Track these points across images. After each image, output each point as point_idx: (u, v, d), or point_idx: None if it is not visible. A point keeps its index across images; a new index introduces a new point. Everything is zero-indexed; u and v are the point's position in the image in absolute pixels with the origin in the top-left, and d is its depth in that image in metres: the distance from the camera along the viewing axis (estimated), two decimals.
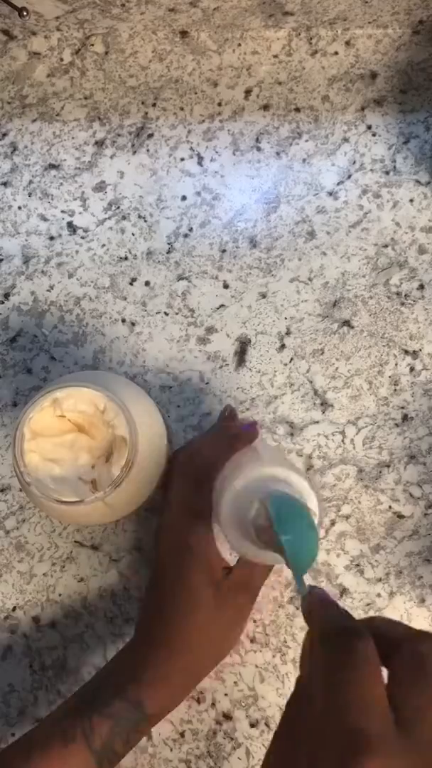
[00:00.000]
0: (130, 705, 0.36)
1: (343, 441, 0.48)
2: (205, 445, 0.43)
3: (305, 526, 0.33)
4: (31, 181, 0.53)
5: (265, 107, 0.54)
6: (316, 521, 0.34)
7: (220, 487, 0.36)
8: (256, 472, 0.36)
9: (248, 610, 0.41)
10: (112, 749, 0.35)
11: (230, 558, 0.40)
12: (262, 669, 0.46)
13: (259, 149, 0.53)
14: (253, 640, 0.46)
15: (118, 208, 0.53)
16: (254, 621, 0.46)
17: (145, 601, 0.41)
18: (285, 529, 0.32)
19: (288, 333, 0.50)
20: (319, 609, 0.28)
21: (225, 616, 0.39)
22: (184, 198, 0.53)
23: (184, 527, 0.40)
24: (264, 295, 0.51)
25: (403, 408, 0.49)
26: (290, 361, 0.50)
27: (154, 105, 0.54)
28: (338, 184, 0.52)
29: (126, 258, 0.52)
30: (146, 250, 0.52)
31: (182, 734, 0.45)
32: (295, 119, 0.53)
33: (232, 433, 0.43)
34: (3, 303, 0.52)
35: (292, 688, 0.46)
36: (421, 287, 0.50)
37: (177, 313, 0.51)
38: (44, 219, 0.53)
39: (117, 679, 0.38)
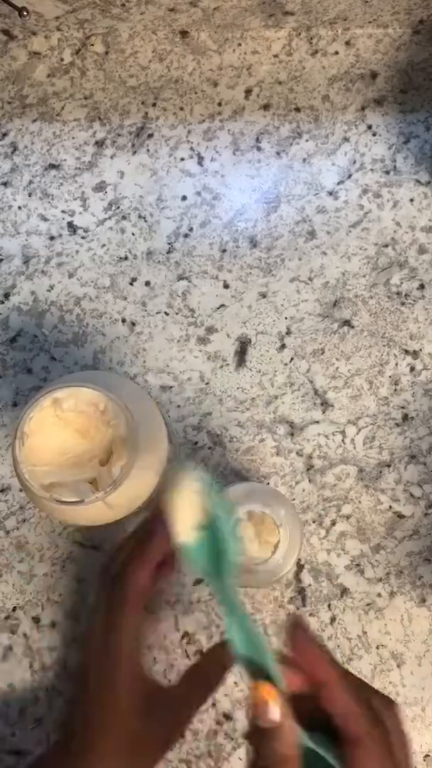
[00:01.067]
0: None
1: (343, 441, 0.48)
2: (122, 552, 0.40)
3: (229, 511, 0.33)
4: (31, 181, 0.53)
5: (266, 107, 0.54)
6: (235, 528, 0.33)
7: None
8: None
9: (175, 737, 0.39)
10: None
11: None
12: None
13: (259, 149, 0.53)
14: None
15: (118, 208, 0.53)
16: (254, 621, 0.46)
17: (65, 713, 0.39)
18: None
19: (288, 333, 0.50)
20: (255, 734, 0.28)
21: (150, 735, 0.36)
22: (184, 198, 0.53)
23: (102, 630, 0.37)
24: (264, 295, 0.51)
25: (403, 408, 0.49)
26: (290, 361, 0.50)
27: (154, 105, 0.54)
28: (338, 183, 0.52)
29: (126, 258, 0.52)
30: (146, 250, 0.52)
31: (182, 734, 0.45)
32: (295, 119, 0.53)
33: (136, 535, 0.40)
34: (3, 303, 0.52)
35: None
36: (422, 287, 0.50)
37: (177, 313, 0.51)
38: (44, 219, 0.53)
39: None
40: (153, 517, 0.39)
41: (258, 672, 0.29)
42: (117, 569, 0.38)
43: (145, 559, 0.37)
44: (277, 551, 0.38)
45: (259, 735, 0.28)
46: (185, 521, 0.31)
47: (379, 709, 0.30)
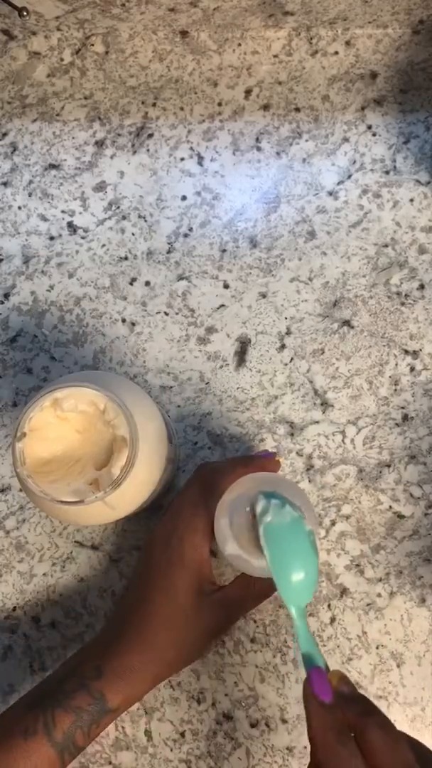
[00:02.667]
0: (92, 698, 0.36)
1: (343, 441, 0.48)
2: (226, 464, 0.44)
3: (301, 539, 0.33)
4: (31, 181, 0.53)
5: (265, 107, 0.54)
6: (316, 542, 0.34)
7: (221, 500, 0.37)
8: (256, 482, 0.37)
9: (224, 629, 0.41)
10: (73, 742, 0.36)
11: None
12: (263, 669, 0.46)
13: (259, 149, 0.53)
14: (253, 640, 0.46)
15: (118, 208, 0.53)
16: (254, 621, 0.46)
17: (126, 589, 0.41)
18: (272, 542, 0.32)
19: (288, 333, 0.50)
20: (315, 711, 0.30)
21: (199, 625, 0.39)
22: (184, 198, 0.53)
23: (184, 529, 0.40)
24: (264, 295, 0.51)
25: (403, 408, 0.49)
26: (290, 361, 0.50)
27: (154, 105, 0.54)
28: (338, 183, 0.52)
29: (126, 258, 0.52)
30: (146, 250, 0.52)
31: (182, 734, 0.45)
32: (295, 119, 0.53)
33: (248, 455, 0.44)
34: (3, 303, 0.52)
35: (292, 688, 0.46)
36: (421, 287, 0.50)
37: (177, 313, 0.51)
38: (44, 219, 0.53)
39: (81, 669, 0.38)
40: (264, 453, 0.44)
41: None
42: (215, 470, 0.41)
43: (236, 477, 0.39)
44: None
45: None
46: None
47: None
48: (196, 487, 0.41)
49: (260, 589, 0.40)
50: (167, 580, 0.39)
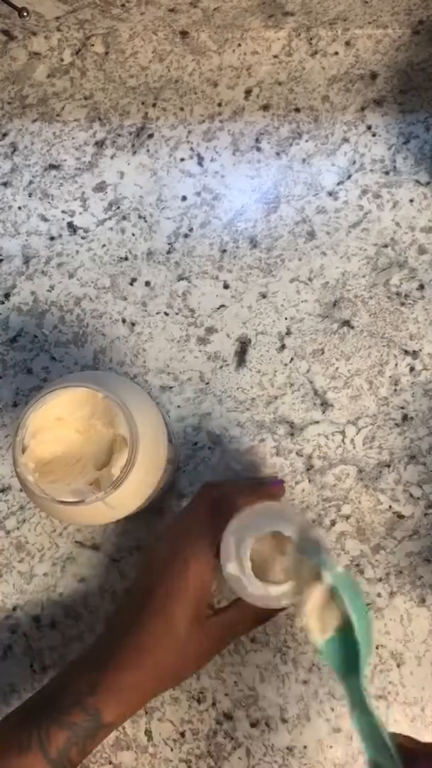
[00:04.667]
0: (87, 713, 0.36)
1: (343, 441, 0.48)
2: (232, 486, 0.43)
3: (366, 619, 0.33)
4: (31, 182, 0.53)
5: (265, 107, 0.54)
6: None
7: (233, 520, 0.37)
8: (269, 511, 0.37)
9: (218, 650, 0.41)
10: (67, 758, 0.35)
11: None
12: (263, 669, 0.46)
13: (259, 149, 0.53)
14: (253, 640, 0.46)
15: (119, 208, 0.53)
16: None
17: (121, 602, 0.41)
18: (359, 619, 0.32)
19: (288, 333, 0.50)
20: None
21: (195, 649, 0.39)
22: (184, 198, 0.53)
23: (190, 552, 0.39)
24: (264, 295, 0.51)
25: (403, 408, 0.49)
26: (290, 361, 0.50)
27: (154, 105, 0.54)
28: (338, 184, 0.52)
29: (126, 258, 0.52)
30: (146, 251, 0.52)
31: (182, 734, 0.45)
32: (295, 119, 0.53)
33: (257, 480, 0.45)
34: (3, 303, 0.52)
35: (292, 688, 0.46)
36: (421, 287, 0.50)
37: (177, 314, 0.51)
38: (44, 219, 0.53)
39: (75, 684, 0.37)
40: (273, 480, 0.44)
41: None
42: (224, 494, 0.41)
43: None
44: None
45: None
46: (320, 619, 0.33)
47: None
48: (205, 509, 0.41)
49: (255, 614, 0.40)
50: (167, 606, 0.38)
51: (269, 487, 0.44)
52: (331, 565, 0.33)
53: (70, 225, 0.53)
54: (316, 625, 0.34)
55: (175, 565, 0.39)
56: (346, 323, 0.50)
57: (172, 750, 0.45)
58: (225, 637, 0.40)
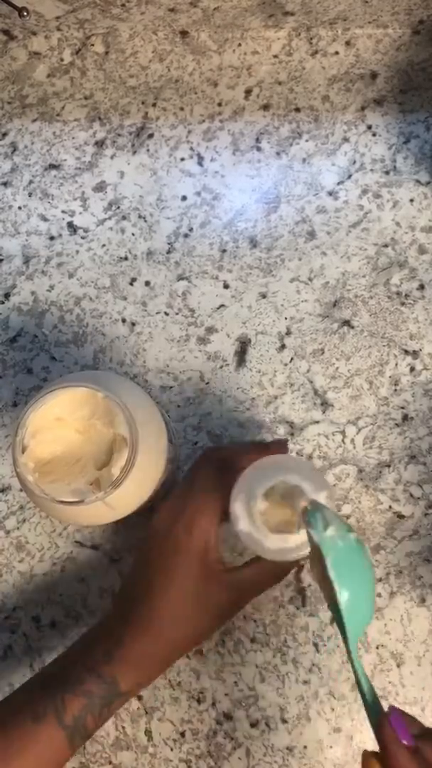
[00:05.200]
0: (104, 682, 0.36)
1: (343, 441, 0.48)
2: (235, 446, 0.43)
3: (367, 581, 0.33)
4: (31, 181, 0.53)
5: (265, 107, 0.54)
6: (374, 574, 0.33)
7: (241, 475, 0.36)
8: (275, 463, 0.37)
9: (235, 610, 0.40)
10: (83, 725, 0.35)
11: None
12: (263, 669, 0.46)
13: (259, 149, 0.53)
14: (253, 640, 0.46)
15: (118, 208, 0.53)
16: (254, 621, 0.46)
17: (131, 571, 0.40)
18: (346, 584, 0.31)
19: (288, 333, 0.50)
20: (403, 757, 0.30)
21: (207, 606, 0.38)
22: (184, 198, 0.53)
23: (194, 511, 0.39)
24: (264, 295, 0.51)
25: (403, 408, 0.49)
26: (290, 361, 0.50)
27: (154, 105, 0.54)
28: (338, 184, 0.52)
29: (126, 258, 0.52)
30: (146, 250, 0.52)
31: (182, 734, 0.45)
32: (295, 119, 0.53)
33: (263, 443, 0.44)
34: (3, 303, 0.52)
35: (292, 688, 0.46)
36: (421, 287, 0.50)
37: (177, 313, 0.51)
38: (44, 219, 0.53)
39: (90, 654, 0.37)
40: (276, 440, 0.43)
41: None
42: (227, 455, 0.41)
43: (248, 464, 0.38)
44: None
45: None
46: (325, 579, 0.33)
47: None
48: (208, 469, 0.41)
49: (273, 570, 0.39)
50: (173, 564, 0.38)
51: (272, 448, 0.43)
52: (330, 525, 0.33)
53: (70, 225, 0.53)
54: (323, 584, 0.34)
55: (177, 527, 0.39)
56: (346, 323, 0.50)
57: (172, 750, 0.45)
58: (241, 596, 0.40)
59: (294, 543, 0.35)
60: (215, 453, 0.42)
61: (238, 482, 0.36)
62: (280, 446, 0.44)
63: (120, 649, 0.37)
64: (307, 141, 0.53)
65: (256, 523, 0.35)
